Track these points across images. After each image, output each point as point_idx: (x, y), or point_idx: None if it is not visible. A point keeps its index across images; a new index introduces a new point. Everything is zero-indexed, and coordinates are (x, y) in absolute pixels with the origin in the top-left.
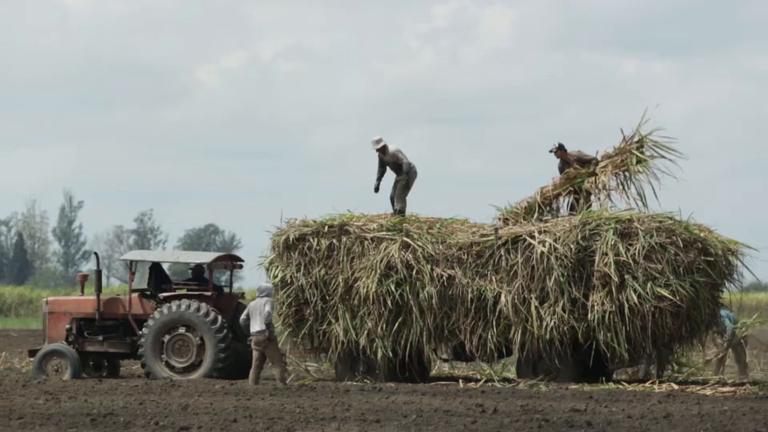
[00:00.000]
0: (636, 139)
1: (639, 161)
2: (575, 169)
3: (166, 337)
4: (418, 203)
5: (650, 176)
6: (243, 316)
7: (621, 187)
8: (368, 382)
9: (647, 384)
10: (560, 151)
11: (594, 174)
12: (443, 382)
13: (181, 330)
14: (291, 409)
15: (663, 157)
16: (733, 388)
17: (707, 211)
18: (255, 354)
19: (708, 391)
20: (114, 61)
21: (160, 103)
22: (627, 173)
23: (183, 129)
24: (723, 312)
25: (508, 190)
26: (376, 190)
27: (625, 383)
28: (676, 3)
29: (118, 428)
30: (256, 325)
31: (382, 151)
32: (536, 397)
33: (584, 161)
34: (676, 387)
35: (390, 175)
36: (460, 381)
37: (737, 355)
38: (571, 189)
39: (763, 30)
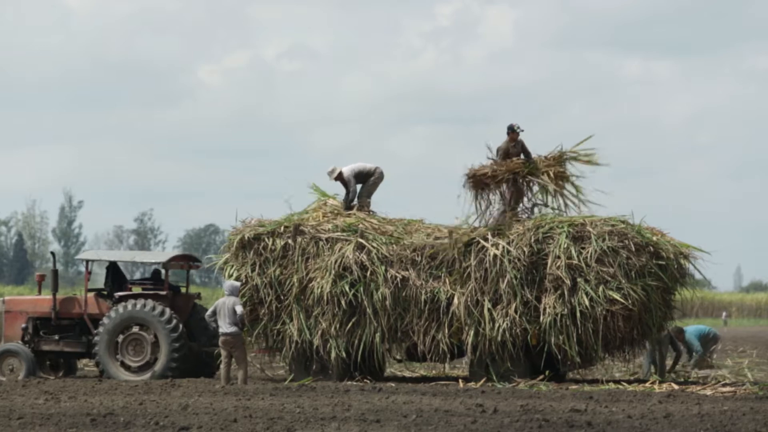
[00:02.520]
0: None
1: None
2: (517, 160)
3: (121, 337)
4: (419, 203)
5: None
6: (209, 313)
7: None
8: (368, 381)
9: (647, 384)
10: (515, 133)
11: (534, 172)
12: (443, 382)
13: (136, 329)
14: (291, 409)
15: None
16: (733, 388)
17: (708, 210)
18: (223, 353)
19: (708, 391)
20: (115, 62)
21: (161, 104)
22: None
23: (183, 129)
24: (690, 332)
25: None
26: (348, 208)
27: (625, 383)
28: (677, 3)
29: (118, 428)
30: (225, 326)
31: (339, 178)
32: (536, 397)
33: (527, 154)
34: (676, 387)
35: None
36: (460, 381)
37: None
38: (508, 178)
39: (765, 29)
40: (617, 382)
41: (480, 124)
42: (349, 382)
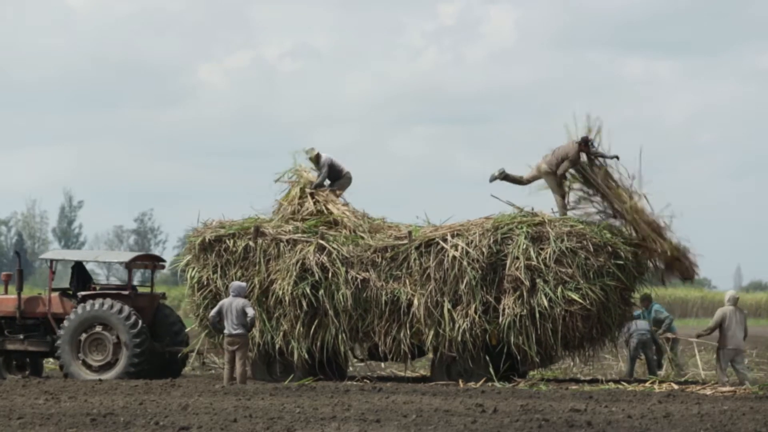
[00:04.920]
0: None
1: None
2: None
3: (83, 336)
4: (419, 203)
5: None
6: (213, 313)
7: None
8: (368, 381)
9: (647, 384)
10: (587, 147)
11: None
12: (443, 382)
13: (98, 328)
14: (291, 409)
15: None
16: (732, 388)
17: (708, 210)
18: (226, 355)
19: (708, 391)
20: (116, 62)
21: (162, 104)
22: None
23: (183, 129)
24: (656, 306)
25: (511, 190)
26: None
27: (625, 383)
28: (677, 3)
29: (118, 428)
30: (231, 327)
31: (316, 160)
32: (536, 397)
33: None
34: (676, 387)
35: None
36: (460, 381)
37: (647, 356)
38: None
39: (766, 29)
40: (617, 382)
41: (480, 124)
42: (349, 382)
